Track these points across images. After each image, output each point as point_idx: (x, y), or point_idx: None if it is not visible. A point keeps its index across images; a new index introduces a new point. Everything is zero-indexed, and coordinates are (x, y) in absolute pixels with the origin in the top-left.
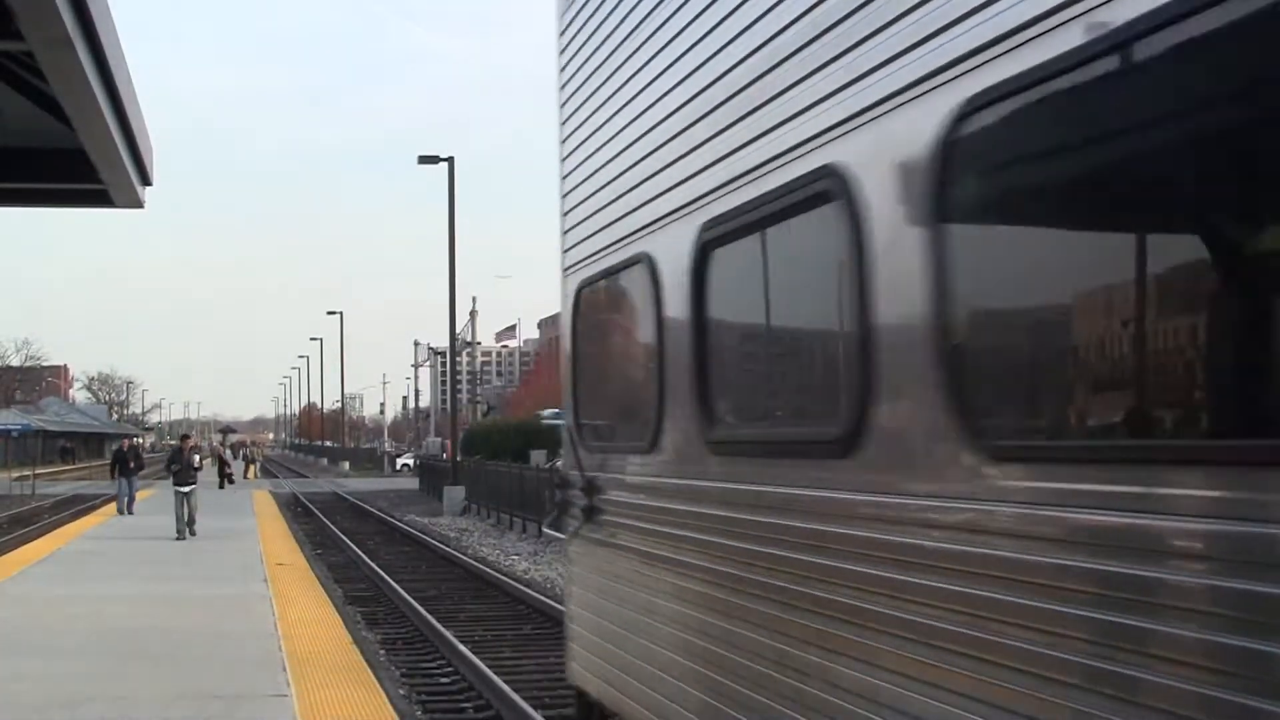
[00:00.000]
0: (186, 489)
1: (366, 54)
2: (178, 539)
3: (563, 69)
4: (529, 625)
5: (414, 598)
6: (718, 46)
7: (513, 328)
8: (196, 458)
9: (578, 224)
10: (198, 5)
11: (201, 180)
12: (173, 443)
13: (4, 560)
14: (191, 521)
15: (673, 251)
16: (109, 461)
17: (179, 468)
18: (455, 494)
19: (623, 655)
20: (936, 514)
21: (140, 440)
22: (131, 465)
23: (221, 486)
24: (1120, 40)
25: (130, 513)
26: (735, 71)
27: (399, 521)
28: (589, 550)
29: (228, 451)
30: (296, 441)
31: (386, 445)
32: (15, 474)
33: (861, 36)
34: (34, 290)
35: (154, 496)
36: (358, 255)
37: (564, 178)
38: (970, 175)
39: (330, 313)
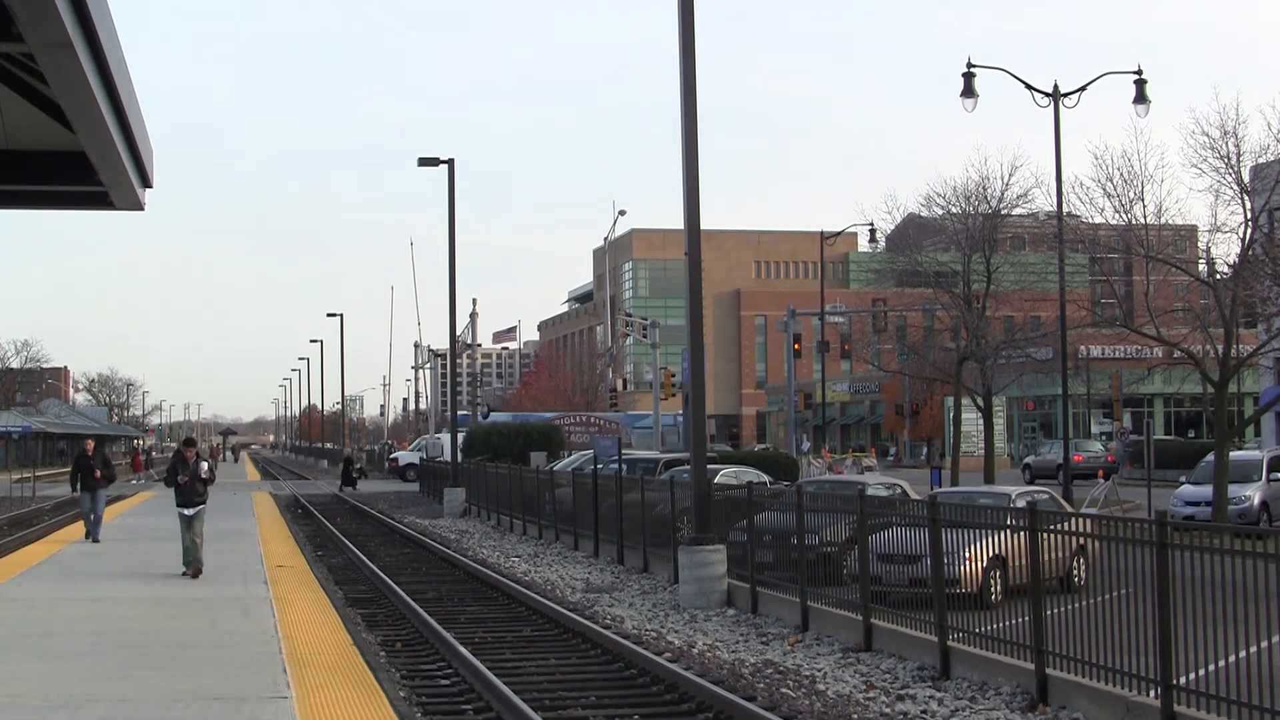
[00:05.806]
0: (191, 510)
1: (367, 55)
2: (183, 574)
3: None
4: (529, 627)
5: (414, 599)
6: None
7: (512, 329)
8: (205, 466)
9: None
10: (197, 6)
11: (202, 181)
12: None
13: (4, 562)
14: (195, 554)
15: None
16: (69, 469)
17: (185, 479)
18: (455, 496)
19: None
20: None
21: (141, 441)
22: (98, 475)
23: (353, 486)
24: None
25: (96, 539)
26: None
27: (399, 523)
28: None
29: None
30: (296, 443)
31: (389, 444)
32: (16, 476)
33: None
34: (34, 292)
35: (145, 503)
36: (358, 256)
37: None
38: None
39: (330, 314)
